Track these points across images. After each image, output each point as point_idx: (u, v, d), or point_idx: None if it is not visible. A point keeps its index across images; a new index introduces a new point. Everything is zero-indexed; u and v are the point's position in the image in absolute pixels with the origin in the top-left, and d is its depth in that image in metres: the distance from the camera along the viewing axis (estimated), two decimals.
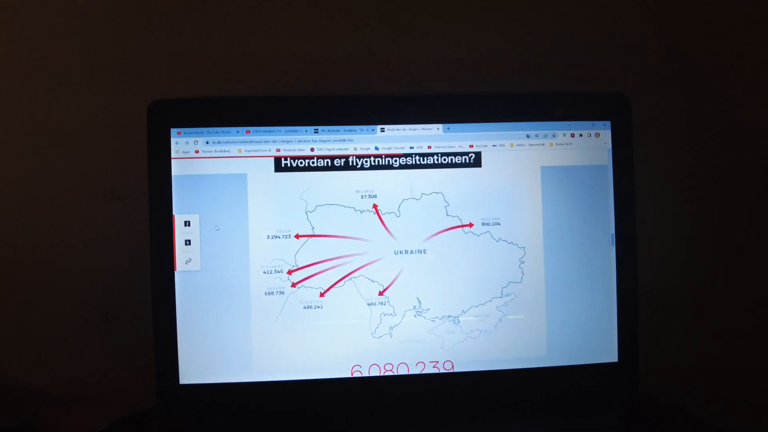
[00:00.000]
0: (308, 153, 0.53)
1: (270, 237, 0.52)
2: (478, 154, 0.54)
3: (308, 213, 0.53)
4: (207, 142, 0.52)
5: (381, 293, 0.53)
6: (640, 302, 0.54)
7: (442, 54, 0.61)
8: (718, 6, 0.63)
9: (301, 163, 0.53)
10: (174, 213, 0.52)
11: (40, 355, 0.61)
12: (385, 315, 0.53)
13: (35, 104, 0.60)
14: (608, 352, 0.54)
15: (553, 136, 0.54)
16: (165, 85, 0.60)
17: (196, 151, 0.52)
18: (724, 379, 0.63)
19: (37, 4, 0.59)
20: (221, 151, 0.52)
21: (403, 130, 0.54)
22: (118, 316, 0.60)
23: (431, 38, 0.61)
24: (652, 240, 0.60)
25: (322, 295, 0.53)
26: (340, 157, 0.53)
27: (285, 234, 0.53)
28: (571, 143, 0.54)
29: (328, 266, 0.53)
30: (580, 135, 0.54)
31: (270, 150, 0.53)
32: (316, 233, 0.53)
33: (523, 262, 0.54)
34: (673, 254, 0.63)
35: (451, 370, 0.53)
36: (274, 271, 0.52)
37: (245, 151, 0.53)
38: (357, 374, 0.53)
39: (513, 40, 0.62)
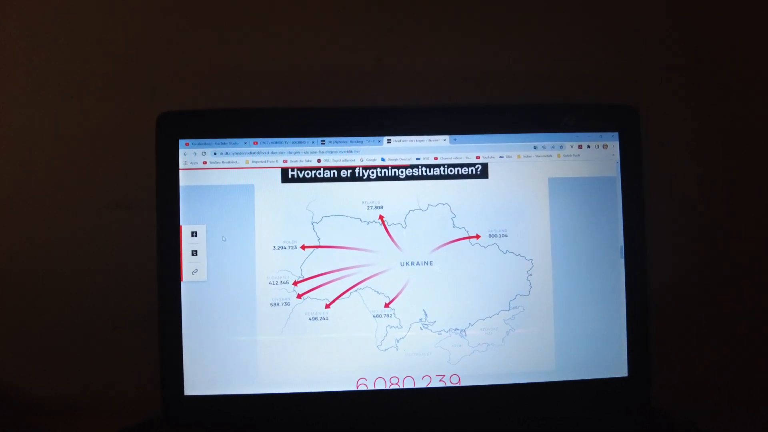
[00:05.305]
0: (315, 164, 0.53)
1: (276, 248, 0.52)
2: (484, 166, 0.54)
3: (314, 224, 0.53)
4: (215, 153, 0.53)
5: (387, 305, 0.53)
6: (650, 315, 0.54)
7: (451, 66, 0.62)
8: (726, 16, 0.63)
9: (307, 174, 0.53)
10: (181, 223, 0.52)
11: (47, 364, 0.61)
12: (391, 327, 0.53)
13: (46, 115, 0.61)
14: (618, 367, 0.53)
15: (561, 147, 0.54)
16: (174, 96, 0.61)
17: (204, 162, 0.53)
18: (736, 392, 0.62)
19: (47, 16, 0.60)
20: (229, 162, 0.53)
21: (410, 141, 0.54)
22: (125, 326, 0.60)
23: (440, 50, 0.62)
24: (661, 252, 0.59)
25: (327, 306, 0.52)
26: (346, 168, 0.53)
27: (291, 245, 0.53)
28: (578, 155, 0.54)
29: (334, 277, 0.53)
30: (588, 146, 0.54)
31: (277, 161, 0.53)
32: (322, 244, 0.53)
33: (531, 274, 0.53)
34: (683, 266, 0.62)
35: (457, 384, 0.53)
36: (279, 282, 0.52)
37: (252, 162, 0.53)
38: (362, 387, 0.52)
39: (521, 52, 0.62)
